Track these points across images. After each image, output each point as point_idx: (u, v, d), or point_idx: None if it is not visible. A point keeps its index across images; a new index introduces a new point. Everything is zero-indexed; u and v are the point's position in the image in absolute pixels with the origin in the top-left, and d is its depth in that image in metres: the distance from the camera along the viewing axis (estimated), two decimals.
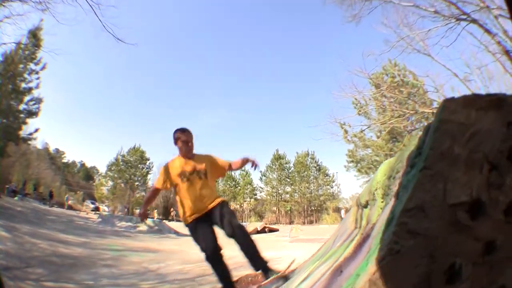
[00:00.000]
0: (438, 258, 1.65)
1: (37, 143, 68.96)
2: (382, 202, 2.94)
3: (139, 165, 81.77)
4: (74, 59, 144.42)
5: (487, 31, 18.19)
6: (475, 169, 1.77)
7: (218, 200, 5.77)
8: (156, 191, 6.25)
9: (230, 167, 6.13)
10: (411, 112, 24.36)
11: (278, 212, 79.06)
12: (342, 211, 55.17)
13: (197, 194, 5.69)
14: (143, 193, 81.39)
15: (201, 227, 5.72)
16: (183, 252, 16.21)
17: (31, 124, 42.24)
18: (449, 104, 1.94)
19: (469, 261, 1.61)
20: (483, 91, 22.89)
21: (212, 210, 5.71)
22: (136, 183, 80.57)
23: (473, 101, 1.90)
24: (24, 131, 41.39)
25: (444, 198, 1.75)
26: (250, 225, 42.53)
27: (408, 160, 2.40)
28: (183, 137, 5.91)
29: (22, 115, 40.10)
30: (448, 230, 1.71)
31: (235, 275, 10.36)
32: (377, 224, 2.66)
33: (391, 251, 1.73)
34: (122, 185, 79.59)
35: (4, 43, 29.37)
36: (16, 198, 40.90)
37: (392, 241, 1.75)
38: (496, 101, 1.87)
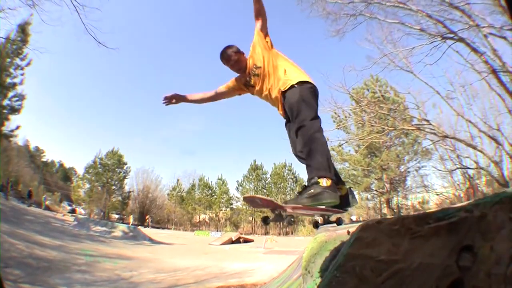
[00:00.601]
0: None
1: (18, 140, 68.11)
2: (301, 281, 2.83)
3: (116, 169, 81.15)
4: (58, 58, 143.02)
5: (474, 49, 18.33)
6: None
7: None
8: None
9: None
10: (390, 128, 24.47)
11: (254, 222, 78.94)
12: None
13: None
14: (119, 198, 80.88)
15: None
16: (157, 261, 16.27)
17: (13, 120, 41.88)
18: (366, 233, 1.60)
19: None
20: (466, 109, 23.27)
21: None
22: (113, 187, 79.95)
23: (408, 228, 1.54)
24: (6, 127, 40.87)
25: None
26: (225, 235, 42.27)
27: (313, 273, 2.20)
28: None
29: (5, 111, 39.41)
30: None
31: (208, 286, 10.53)
32: None
33: None
34: (99, 188, 78.91)
35: None
36: None
37: None
38: (447, 226, 1.49)
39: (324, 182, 3.59)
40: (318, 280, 1.96)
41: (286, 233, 71.37)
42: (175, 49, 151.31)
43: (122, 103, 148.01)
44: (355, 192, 4.09)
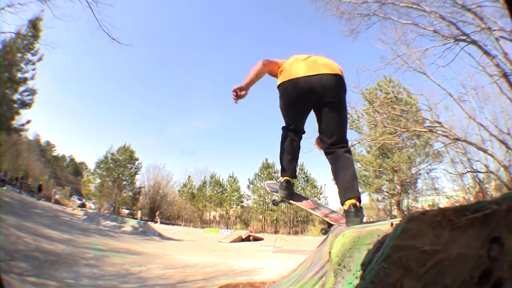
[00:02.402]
0: None
1: (29, 134, 68.38)
2: (334, 276, 2.72)
3: (127, 165, 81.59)
4: (71, 53, 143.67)
5: (486, 52, 18.16)
6: None
7: None
8: None
9: None
10: (403, 129, 24.29)
11: (264, 221, 78.93)
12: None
13: None
14: (130, 193, 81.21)
15: None
16: (166, 256, 16.21)
17: (24, 114, 41.96)
18: (411, 225, 1.54)
19: None
20: (477, 112, 23.02)
21: None
22: (124, 183, 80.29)
23: (448, 219, 1.49)
24: (16, 121, 41.19)
25: None
26: (235, 233, 42.27)
27: (353, 269, 2.06)
28: None
29: (15, 105, 39.81)
30: None
31: (217, 283, 10.42)
32: None
33: None
34: (110, 183, 79.25)
35: (3, 32, 29.33)
36: (4, 188, 40.43)
37: None
38: (481, 218, 1.44)
39: (282, 179, 4.58)
40: (359, 273, 1.93)
41: (296, 233, 71.32)
42: (188, 46, 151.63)
43: (135, 100, 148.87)
44: (362, 210, 3.88)
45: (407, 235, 1.49)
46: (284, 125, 4.78)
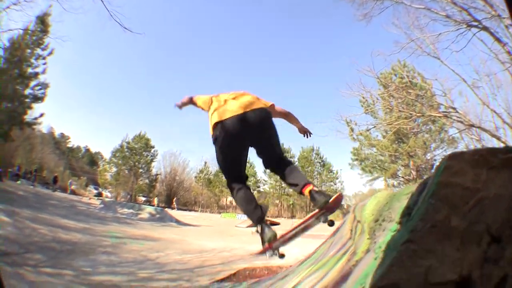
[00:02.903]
0: None
1: (42, 128, 68.74)
2: (368, 239, 2.75)
3: (143, 153, 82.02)
4: (82, 45, 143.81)
5: (498, 39, 17.97)
6: (472, 243, 1.48)
7: None
8: None
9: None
10: (418, 114, 24.13)
11: (281, 206, 79.17)
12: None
13: None
14: (146, 181, 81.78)
15: None
16: (183, 242, 16.30)
17: (37, 108, 42.13)
18: (453, 162, 1.68)
19: None
20: (491, 99, 22.76)
21: None
22: (140, 170, 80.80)
23: (485, 158, 1.63)
24: (29, 116, 41.35)
25: (426, 277, 1.45)
26: None
27: (397, 215, 2.10)
28: None
29: (27, 100, 39.98)
30: None
31: (234, 268, 10.38)
32: (360, 263, 2.49)
33: None
34: (126, 171, 79.81)
35: (11, 29, 29.45)
36: (19, 182, 40.87)
37: None
38: None
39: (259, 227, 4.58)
40: (404, 218, 1.98)
41: None
42: (202, 34, 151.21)
43: (147, 88, 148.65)
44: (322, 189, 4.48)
45: (450, 172, 1.63)
46: (228, 179, 4.89)
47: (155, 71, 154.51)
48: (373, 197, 3.31)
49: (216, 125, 4.55)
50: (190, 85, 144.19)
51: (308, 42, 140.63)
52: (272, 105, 5.10)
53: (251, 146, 4.87)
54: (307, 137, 5.82)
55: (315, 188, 4.31)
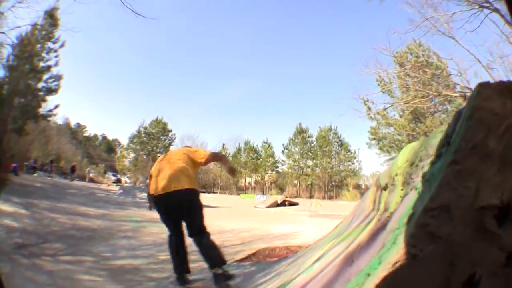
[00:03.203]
0: (458, 267, 1.45)
1: (58, 119, 68.99)
2: (401, 190, 2.74)
3: (161, 137, 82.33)
4: (94, 34, 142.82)
5: (508, 22, 17.76)
6: (509, 167, 1.57)
7: None
8: None
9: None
10: (435, 93, 24.08)
11: (299, 186, 79.16)
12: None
13: None
14: None
15: None
16: None
17: (51, 100, 42.37)
18: (483, 89, 1.78)
19: (489, 272, 1.45)
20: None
21: None
22: (158, 155, 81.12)
23: (509, 89, 1.74)
24: (43, 108, 41.53)
25: (473, 200, 1.55)
26: (271, 198, 42.41)
27: (434, 149, 2.21)
28: None
29: (41, 93, 40.21)
30: (473, 236, 1.53)
31: (253, 248, 10.41)
32: (395, 214, 2.48)
33: (408, 255, 1.58)
34: (144, 156, 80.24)
35: (19, 26, 29.61)
36: (35, 174, 41.38)
37: (410, 244, 1.60)
38: None
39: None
40: (442, 149, 2.07)
41: (330, 197, 71.22)
42: (217, 16, 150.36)
43: (162, 73, 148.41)
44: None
45: (482, 98, 1.74)
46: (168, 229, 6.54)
47: (168, 56, 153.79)
48: (404, 148, 3.43)
49: (152, 195, 6.33)
50: (205, 70, 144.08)
51: (323, 19, 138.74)
52: (204, 161, 6.55)
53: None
54: (233, 176, 7.69)
55: (219, 271, 5.65)
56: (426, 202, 1.58)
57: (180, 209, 6.01)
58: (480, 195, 1.53)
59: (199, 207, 6.21)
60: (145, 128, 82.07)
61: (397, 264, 1.60)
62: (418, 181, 2.28)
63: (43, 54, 39.16)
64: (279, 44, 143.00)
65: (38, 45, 38.34)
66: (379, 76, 31.44)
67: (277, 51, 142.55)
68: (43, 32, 38.65)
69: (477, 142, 1.63)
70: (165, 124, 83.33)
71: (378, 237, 2.40)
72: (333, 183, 76.92)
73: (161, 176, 6.18)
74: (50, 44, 39.56)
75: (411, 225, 1.67)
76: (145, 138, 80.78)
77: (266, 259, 8.61)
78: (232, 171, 6.90)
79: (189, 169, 6.27)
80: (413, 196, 2.17)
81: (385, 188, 3.51)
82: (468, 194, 1.55)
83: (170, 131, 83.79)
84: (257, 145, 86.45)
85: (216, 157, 6.97)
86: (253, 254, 9.42)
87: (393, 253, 1.68)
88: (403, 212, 2.09)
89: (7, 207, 12.04)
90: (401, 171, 2.92)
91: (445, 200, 1.54)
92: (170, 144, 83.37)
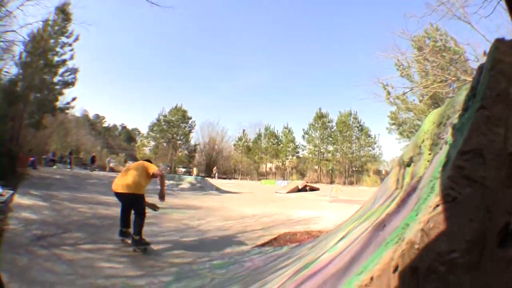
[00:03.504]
0: (494, 214, 1.47)
1: (76, 111, 69.31)
2: (429, 154, 2.72)
3: (181, 124, 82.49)
4: (110, 26, 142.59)
5: None
6: None
7: None
8: None
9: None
10: (453, 78, 23.87)
11: (320, 171, 79.04)
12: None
13: None
14: (185, 152, 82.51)
15: None
16: (224, 209, 16.53)
17: (68, 93, 42.70)
18: (500, 44, 1.88)
19: None
20: None
21: None
22: (179, 142, 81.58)
23: None
24: (60, 102, 42.39)
25: (503, 145, 1.59)
26: (291, 183, 42.15)
27: (461, 104, 2.20)
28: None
29: (57, 87, 40.90)
30: (506, 182, 1.54)
31: (275, 233, 10.39)
32: (424, 176, 2.44)
33: (447, 197, 1.56)
34: (164, 144, 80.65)
35: (29, 23, 29.83)
36: (54, 167, 41.80)
37: (448, 187, 1.58)
38: None
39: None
40: (468, 103, 2.15)
41: (351, 183, 71.14)
42: (235, 2, 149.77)
43: (179, 61, 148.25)
44: None
45: (500, 51, 1.86)
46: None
47: (189, 44, 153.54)
48: (430, 114, 3.49)
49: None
50: (224, 57, 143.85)
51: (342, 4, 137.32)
52: (152, 173, 9.02)
53: None
54: (161, 200, 9.24)
55: (134, 236, 8.23)
56: (460, 146, 1.61)
57: (126, 203, 8.82)
58: (510, 141, 1.60)
59: (140, 203, 8.64)
60: (165, 116, 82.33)
61: (438, 208, 1.57)
62: (447, 137, 2.26)
63: (57, 49, 39.59)
64: (298, 31, 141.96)
65: (52, 40, 38.76)
66: (398, 60, 31.20)
67: (296, 38, 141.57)
68: (56, 27, 39.07)
69: (500, 91, 1.70)
70: (184, 111, 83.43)
71: (410, 199, 2.38)
72: (354, 169, 76.71)
73: (119, 179, 8.82)
74: (63, 39, 40.04)
75: (447, 169, 1.66)
76: (165, 126, 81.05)
77: (287, 244, 8.61)
78: (162, 196, 9.20)
79: (141, 179, 8.75)
80: (443, 151, 2.14)
81: (408, 164, 3.48)
82: (498, 140, 1.61)
83: (190, 118, 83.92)
84: (277, 131, 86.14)
85: (159, 175, 9.18)
86: (274, 239, 9.44)
87: (431, 199, 1.64)
88: (436, 167, 2.06)
89: (25, 200, 12.13)
90: (428, 134, 2.93)
91: (477, 144, 1.60)
92: (190, 131, 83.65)
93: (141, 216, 8.47)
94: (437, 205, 1.56)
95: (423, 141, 3.03)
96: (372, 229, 2.80)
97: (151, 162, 9.61)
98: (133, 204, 8.65)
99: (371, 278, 1.91)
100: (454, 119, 2.27)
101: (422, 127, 3.33)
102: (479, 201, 1.46)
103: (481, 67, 1.99)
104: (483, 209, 1.46)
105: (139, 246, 8.08)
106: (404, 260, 1.71)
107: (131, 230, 8.53)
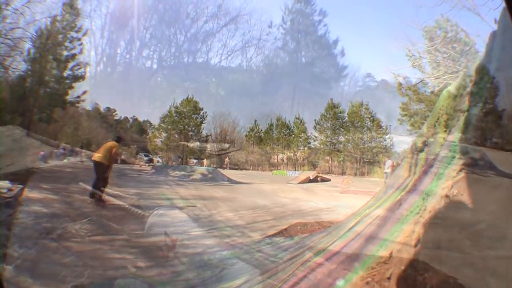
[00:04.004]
0: None
1: (86, 105, 69.67)
2: (445, 131, 2.68)
3: (192, 116, 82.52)
4: (118, 16, 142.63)
5: None
6: None
7: None
8: None
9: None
10: (464, 70, 23.69)
11: (331, 162, 78.95)
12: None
13: None
14: (197, 143, 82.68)
15: None
16: (235, 199, 16.59)
17: (79, 87, 43.46)
18: (506, 13, 2.00)
19: None
20: None
21: None
22: (190, 133, 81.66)
23: None
24: (71, 95, 42.76)
25: None
26: (303, 174, 42.11)
27: (477, 71, 2.20)
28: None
29: (67, 81, 41.17)
30: None
31: (286, 223, 10.38)
32: (441, 151, 2.41)
33: (470, 160, 1.53)
34: (176, 135, 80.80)
35: (37, 20, 30.05)
36: (65, 160, 41.87)
37: (471, 149, 1.55)
38: None
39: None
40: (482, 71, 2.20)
41: (362, 174, 70.87)
42: None
43: (189, 51, 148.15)
44: None
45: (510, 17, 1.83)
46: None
47: (200, 34, 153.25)
48: (444, 91, 3.61)
49: None
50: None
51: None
52: (112, 152, 12.83)
53: None
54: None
55: (99, 194, 11.27)
56: (480, 108, 1.58)
57: (96, 168, 12.53)
58: None
59: (104, 170, 12.43)
60: (176, 107, 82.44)
61: (462, 172, 1.55)
62: (464, 106, 2.26)
63: (67, 44, 39.70)
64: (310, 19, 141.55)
65: (60, 36, 38.91)
66: (408, 51, 31.08)
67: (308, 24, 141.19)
68: (64, 23, 39.22)
69: None
70: (196, 102, 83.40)
71: (427, 175, 2.36)
72: (365, 160, 76.59)
73: (97, 151, 12.94)
74: (73, 33, 40.18)
75: (468, 131, 1.64)
76: (176, 118, 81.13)
77: (298, 234, 8.60)
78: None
79: (106, 153, 12.73)
80: (461, 120, 2.14)
81: (422, 149, 3.44)
82: None
83: (202, 109, 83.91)
84: (289, 121, 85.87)
85: (116, 155, 13.30)
86: (285, 229, 9.45)
87: (454, 165, 1.62)
88: (455, 136, 2.05)
89: (35, 194, 12.20)
90: (444, 110, 2.92)
91: (497, 107, 1.55)
92: (201, 122, 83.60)
93: (104, 180, 12.85)
94: (461, 169, 1.53)
95: (438, 118, 3.00)
96: (387, 209, 2.77)
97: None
98: (99, 170, 12.77)
99: (390, 254, 1.87)
100: (471, 87, 2.26)
101: (437, 104, 3.34)
102: (504, 166, 1.44)
103: (493, 34, 2.14)
104: (509, 176, 1.43)
105: (99, 201, 11.93)
106: (426, 231, 1.67)
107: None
